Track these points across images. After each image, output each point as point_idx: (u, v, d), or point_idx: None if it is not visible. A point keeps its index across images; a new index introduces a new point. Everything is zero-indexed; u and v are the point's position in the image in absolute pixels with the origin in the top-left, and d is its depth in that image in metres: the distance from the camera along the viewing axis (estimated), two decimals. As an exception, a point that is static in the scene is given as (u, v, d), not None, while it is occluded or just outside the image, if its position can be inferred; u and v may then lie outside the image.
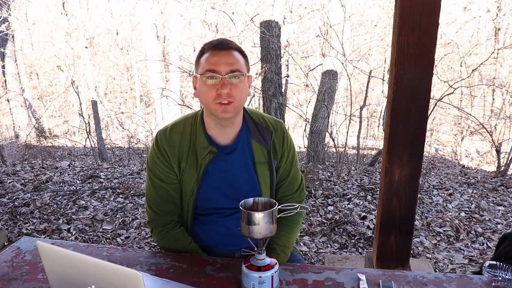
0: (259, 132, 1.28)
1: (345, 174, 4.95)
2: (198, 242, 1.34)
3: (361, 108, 6.08)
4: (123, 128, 9.76)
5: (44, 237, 3.12)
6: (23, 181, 4.57)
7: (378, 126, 10.32)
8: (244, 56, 1.21)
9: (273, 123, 1.32)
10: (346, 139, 6.02)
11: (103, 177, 4.89)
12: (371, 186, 4.30)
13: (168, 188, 1.27)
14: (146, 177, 1.32)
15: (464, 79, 6.58)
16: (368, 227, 3.26)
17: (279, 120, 1.36)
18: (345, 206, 3.70)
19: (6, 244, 2.97)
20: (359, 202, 3.80)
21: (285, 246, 1.34)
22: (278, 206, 1.05)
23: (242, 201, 1.05)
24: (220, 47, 1.16)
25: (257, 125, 1.29)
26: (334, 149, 6.10)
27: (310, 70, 8.55)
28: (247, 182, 1.28)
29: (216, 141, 1.25)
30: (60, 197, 4.02)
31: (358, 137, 6.30)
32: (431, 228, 3.26)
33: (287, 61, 9.30)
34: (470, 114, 7.00)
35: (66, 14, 9.85)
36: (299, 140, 7.79)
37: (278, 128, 1.32)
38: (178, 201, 1.31)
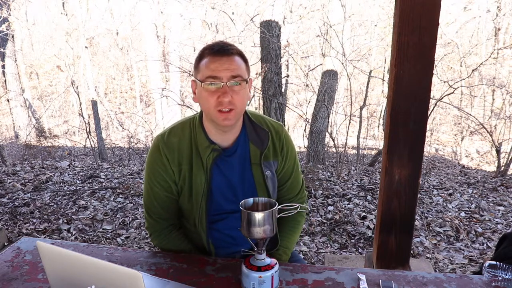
0: (256, 135, 1.27)
1: (345, 174, 4.94)
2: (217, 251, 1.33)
3: (361, 108, 6.08)
4: (123, 128, 9.75)
5: (44, 237, 3.12)
6: (23, 181, 4.57)
7: (378, 126, 10.32)
8: (245, 60, 1.19)
9: (273, 125, 1.31)
10: (346, 139, 6.02)
11: (103, 177, 4.88)
12: (371, 186, 4.30)
13: (166, 195, 1.26)
14: (144, 182, 1.31)
15: (464, 79, 6.56)
16: (368, 227, 3.26)
17: (280, 123, 1.34)
18: (345, 206, 3.70)
19: (6, 244, 2.97)
20: (359, 202, 3.80)
21: (287, 247, 1.34)
22: (278, 206, 1.05)
23: (242, 201, 1.06)
24: (221, 52, 1.13)
25: (256, 127, 1.28)
26: (334, 149, 6.10)
27: (310, 70, 8.54)
28: (245, 185, 1.28)
29: (216, 143, 1.25)
30: (60, 197, 4.02)
31: (358, 137, 6.30)
32: (431, 228, 3.26)
33: (287, 61, 9.29)
34: (470, 114, 7.00)
35: (66, 14, 9.85)
36: (299, 140, 7.78)
37: (278, 130, 1.30)
38: (176, 207, 1.31)
